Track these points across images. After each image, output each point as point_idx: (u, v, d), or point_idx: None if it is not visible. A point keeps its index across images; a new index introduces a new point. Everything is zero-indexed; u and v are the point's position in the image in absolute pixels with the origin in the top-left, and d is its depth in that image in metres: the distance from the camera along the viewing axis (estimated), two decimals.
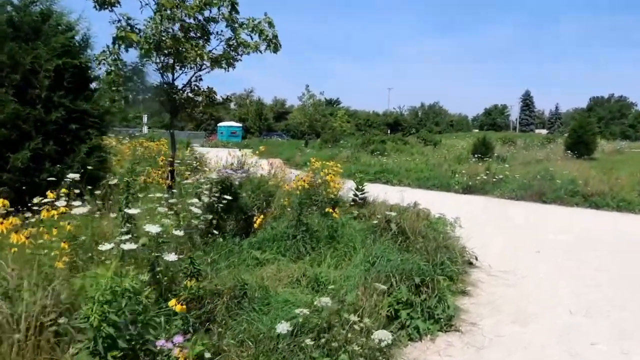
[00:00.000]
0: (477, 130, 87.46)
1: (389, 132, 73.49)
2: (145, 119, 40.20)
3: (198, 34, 7.40)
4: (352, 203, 9.77)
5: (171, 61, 7.45)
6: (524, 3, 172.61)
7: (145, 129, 38.93)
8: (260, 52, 7.62)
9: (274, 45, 7.54)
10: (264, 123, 65.15)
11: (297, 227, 6.20)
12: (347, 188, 8.69)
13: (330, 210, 6.35)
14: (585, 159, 25.48)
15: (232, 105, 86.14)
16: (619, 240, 8.16)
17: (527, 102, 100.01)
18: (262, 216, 6.20)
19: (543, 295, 5.43)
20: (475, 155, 25.07)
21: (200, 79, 8.02)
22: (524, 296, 5.36)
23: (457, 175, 14.58)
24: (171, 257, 3.42)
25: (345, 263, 5.67)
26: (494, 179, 13.83)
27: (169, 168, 7.65)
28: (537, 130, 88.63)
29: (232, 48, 7.37)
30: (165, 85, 7.53)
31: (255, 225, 6.09)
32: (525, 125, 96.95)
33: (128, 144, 13.88)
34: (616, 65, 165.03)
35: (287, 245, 6.03)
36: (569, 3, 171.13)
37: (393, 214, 6.84)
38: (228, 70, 8.07)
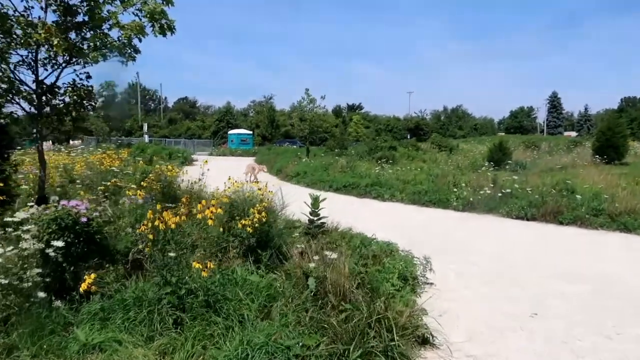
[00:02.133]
0: (502, 134, 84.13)
1: (408, 137, 70.92)
2: (145, 127, 38.92)
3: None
4: (306, 230, 7.73)
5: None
6: (551, 2, 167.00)
7: (146, 138, 37.61)
8: (142, 36, 5.65)
9: (160, 26, 5.56)
10: (276, 130, 63.32)
11: (160, 287, 4.18)
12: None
13: (205, 265, 4.22)
14: (616, 164, 22.69)
15: (250, 113, 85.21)
16: None
17: (554, 104, 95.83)
18: (92, 275, 4.13)
19: None
20: (491, 162, 22.71)
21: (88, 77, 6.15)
22: None
23: (455, 189, 12.28)
24: None
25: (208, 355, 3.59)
26: (501, 193, 11.51)
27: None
28: (566, 133, 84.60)
29: (95, 29, 5.42)
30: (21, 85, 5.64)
31: (83, 287, 4.04)
32: (553, 127, 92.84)
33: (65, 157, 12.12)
34: None
35: (141, 315, 4.02)
36: (598, 1, 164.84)
37: (312, 265, 4.74)
38: (126, 64, 6.20)
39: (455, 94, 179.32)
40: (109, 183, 8.02)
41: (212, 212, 4.63)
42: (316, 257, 5.52)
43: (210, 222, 4.55)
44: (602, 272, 6.51)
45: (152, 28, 5.56)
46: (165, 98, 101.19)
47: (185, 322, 3.95)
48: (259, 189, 6.23)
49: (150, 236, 4.29)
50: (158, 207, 4.76)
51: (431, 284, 5.96)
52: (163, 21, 5.66)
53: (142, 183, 8.11)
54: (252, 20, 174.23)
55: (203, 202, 5.97)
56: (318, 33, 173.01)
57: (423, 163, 25.94)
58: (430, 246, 7.74)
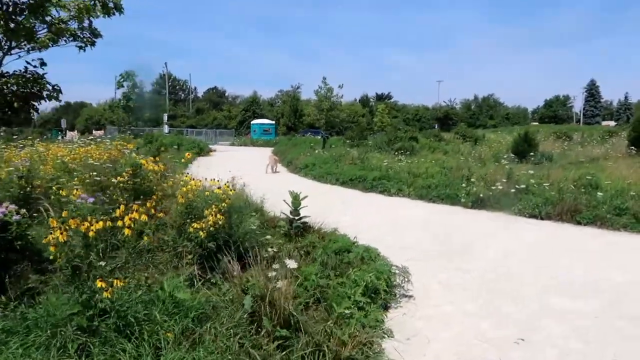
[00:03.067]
0: (535, 123, 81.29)
1: (436, 126, 69.24)
2: (165, 117, 38.89)
3: None
4: (286, 229, 7.10)
5: None
6: None
7: (166, 128, 37.58)
8: (92, 16, 5.07)
9: (103, 4, 4.97)
10: (299, 120, 62.62)
11: (69, 305, 3.62)
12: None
13: (109, 284, 3.59)
14: None
15: (278, 103, 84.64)
16: None
17: (592, 92, 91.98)
18: None
19: None
20: (515, 154, 21.52)
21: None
22: None
23: (464, 184, 11.37)
24: None
25: None
26: (514, 189, 10.57)
27: None
28: (604, 122, 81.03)
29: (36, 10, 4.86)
30: None
31: None
32: (590, 117, 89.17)
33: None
34: None
35: (41, 339, 3.48)
36: None
37: (256, 280, 4.09)
38: (84, 49, 5.65)
39: (488, 83, 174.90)
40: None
41: (130, 219, 3.96)
42: (277, 266, 4.88)
43: (127, 231, 3.89)
44: (616, 283, 5.62)
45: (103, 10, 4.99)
46: (195, 88, 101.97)
47: (92, 348, 3.37)
48: (219, 188, 5.58)
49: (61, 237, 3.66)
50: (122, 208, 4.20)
51: (410, 297, 5.23)
52: (110, 1, 5.07)
53: (117, 179, 7.59)
54: (285, 8, 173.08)
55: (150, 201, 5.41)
56: (351, 21, 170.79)
57: (444, 155, 24.94)
58: (423, 249, 7.02)
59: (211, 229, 5.15)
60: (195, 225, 5.08)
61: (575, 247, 7.31)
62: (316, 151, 21.62)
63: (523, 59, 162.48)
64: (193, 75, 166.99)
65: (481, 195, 10.59)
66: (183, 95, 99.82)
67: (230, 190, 5.67)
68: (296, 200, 7.03)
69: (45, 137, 31.98)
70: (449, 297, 5.21)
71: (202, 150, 26.95)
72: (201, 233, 5.04)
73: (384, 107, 69.13)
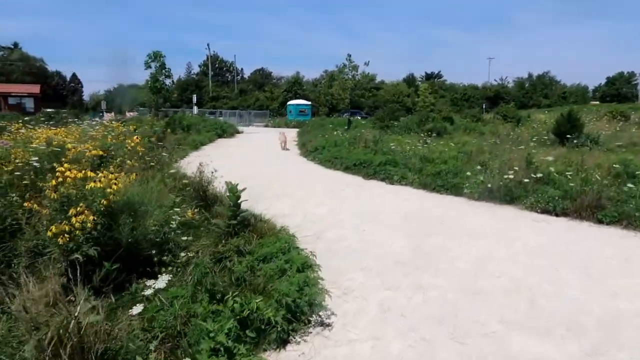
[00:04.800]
0: (596, 102, 75.77)
1: (484, 106, 65.77)
2: (194, 99, 38.46)
3: None
4: (222, 227, 6.00)
5: None
6: None
7: (195, 110, 37.18)
8: None
9: None
10: (340, 100, 60.79)
11: None
12: None
13: None
14: None
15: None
16: None
17: None
18: None
19: None
20: (557, 135, 19.38)
21: None
22: None
23: (469, 173, 9.79)
24: None
25: None
26: (529, 179, 8.95)
27: None
28: None
29: None
30: None
31: None
32: None
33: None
34: None
35: None
36: None
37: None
38: None
39: (543, 60, 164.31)
40: None
41: None
42: (151, 282, 3.82)
43: None
44: (616, 310, 4.16)
45: None
46: (242, 69, 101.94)
47: None
48: (99, 181, 4.50)
49: None
50: None
51: (327, 325, 4.00)
52: None
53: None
54: None
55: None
56: None
57: (481, 136, 23.12)
58: (387, 253, 5.72)
59: (77, 232, 4.10)
60: (53, 228, 4.05)
61: (583, 255, 5.76)
62: (334, 133, 20.31)
63: (582, 33, 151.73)
64: (241, 57, 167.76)
65: (489, 185, 9.05)
66: (230, 76, 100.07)
67: (115, 183, 4.57)
68: (233, 194, 5.87)
69: (78, 118, 32.15)
70: (378, 329, 3.94)
71: (225, 132, 26.20)
72: (61, 239, 4.01)
73: (426, 87, 66.21)
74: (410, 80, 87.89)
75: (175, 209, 5.85)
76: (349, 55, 27.23)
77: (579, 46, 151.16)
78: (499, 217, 7.74)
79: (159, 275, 3.87)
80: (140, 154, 10.23)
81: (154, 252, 4.84)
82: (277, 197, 9.13)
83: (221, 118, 35.80)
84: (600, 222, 7.28)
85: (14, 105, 42.64)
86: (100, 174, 4.63)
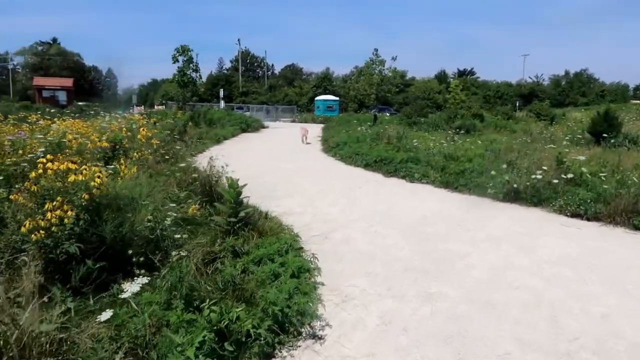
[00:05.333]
0: (637, 101, 72.62)
1: (517, 104, 63.91)
2: (221, 93, 38.46)
3: None
4: (222, 225, 5.68)
5: None
6: None
7: (222, 104, 37.21)
8: None
9: None
10: (369, 96, 59.97)
11: None
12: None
13: None
14: None
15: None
16: None
17: None
18: None
19: None
20: (593, 135, 18.41)
21: None
22: None
23: (493, 172, 9.17)
24: None
25: None
26: (559, 180, 8.33)
27: None
28: None
29: None
30: None
31: None
32: None
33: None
34: None
35: None
36: None
37: None
38: None
39: (581, 57, 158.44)
40: None
41: None
42: (127, 285, 3.53)
43: None
44: None
45: None
46: (272, 65, 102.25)
47: None
48: (81, 173, 4.21)
49: None
50: None
51: (320, 338, 3.61)
52: None
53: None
54: None
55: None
56: None
57: (512, 133, 22.31)
58: (395, 259, 5.28)
59: (54, 229, 3.83)
60: (27, 224, 3.78)
61: (618, 268, 5.19)
62: (359, 129, 19.83)
63: (623, 29, 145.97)
64: (273, 53, 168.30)
65: (515, 185, 8.46)
66: (261, 72, 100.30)
67: (99, 177, 4.27)
68: (233, 189, 5.53)
69: (107, 111, 32.46)
70: (375, 345, 3.53)
71: (249, 127, 26.01)
72: (34, 236, 3.74)
73: (457, 83, 64.75)
74: (441, 77, 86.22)
75: (171, 205, 5.55)
76: (376, 50, 26.70)
77: (619, 44, 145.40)
78: (524, 220, 7.17)
79: (136, 277, 3.55)
80: (155, 146, 10.08)
81: (142, 250, 4.55)
82: (289, 194, 8.77)
83: (248, 113, 35.71)
84: (636, 228, 6.65)
85: (47, 98, 43.65)
86: (83, 167, 4.33)
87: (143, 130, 9.41)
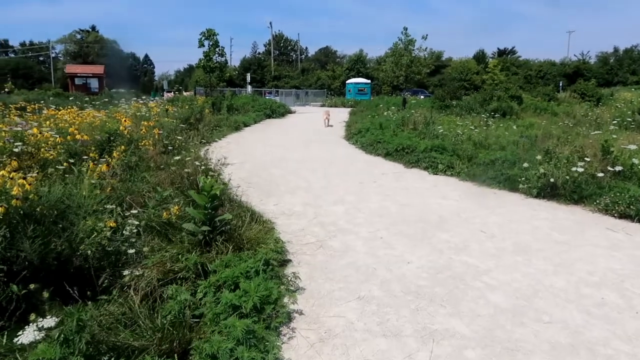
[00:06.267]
0: None
1: (560, 84, 60.65)
2: (248, 77, 37.71)
3: None
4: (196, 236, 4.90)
5: None
6: None
7: (249, 89, 36.51)
8: None
9: None
10: (406, 78, 57.98)
11: None
12: None
13: None
14: None
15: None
16: None
17: None
18: None
19: None
20: None
21: None
22: None
23: (526, 165, 8.00)
24: None
25: None
26: (604, 173, 7.14)
27: None
28: None
29: None
30: None
31: None
32: None
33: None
34: None
35: None
36: None
37: None
38: None
39: (632, 32, 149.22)
40: None
41: None
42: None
43: None
44: None
45: None
46: (306, 48, 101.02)
47: None
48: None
49: None
50: None
51: None
52: None
53: None
54: None
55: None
56: None
57: (553, 116, 20.73)
58: (390, 278, 4.35)
59: None
60: None
61: None
62: (385, 113, 18.70)
63: None
64: (306, 36, 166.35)
65: (552, 179, 7.31)
66: (294, 55, 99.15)
67: (24, 184, 3.51)
68: (206, 192, 4.68)
69: (137, 97, 32.25)
70: None
71: (274, 112, 25.18)
72: None
73: (496, 63, 61.84)
74: (480, 57, 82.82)
75: (148, 208, 4.78)
76: (405, 29, 25.14)
77: None
78: (561, 223, 6.06)
79: (42, 318, 2.76)
80: (157, 137, 9.42)
81: (87, 269, 3.79)
82: (293, 189, 7.91)
83: (277, 98, 34.87)
84: None
85: (80, 86, 44.16)
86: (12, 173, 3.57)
87: (125, 120, 8.76)
